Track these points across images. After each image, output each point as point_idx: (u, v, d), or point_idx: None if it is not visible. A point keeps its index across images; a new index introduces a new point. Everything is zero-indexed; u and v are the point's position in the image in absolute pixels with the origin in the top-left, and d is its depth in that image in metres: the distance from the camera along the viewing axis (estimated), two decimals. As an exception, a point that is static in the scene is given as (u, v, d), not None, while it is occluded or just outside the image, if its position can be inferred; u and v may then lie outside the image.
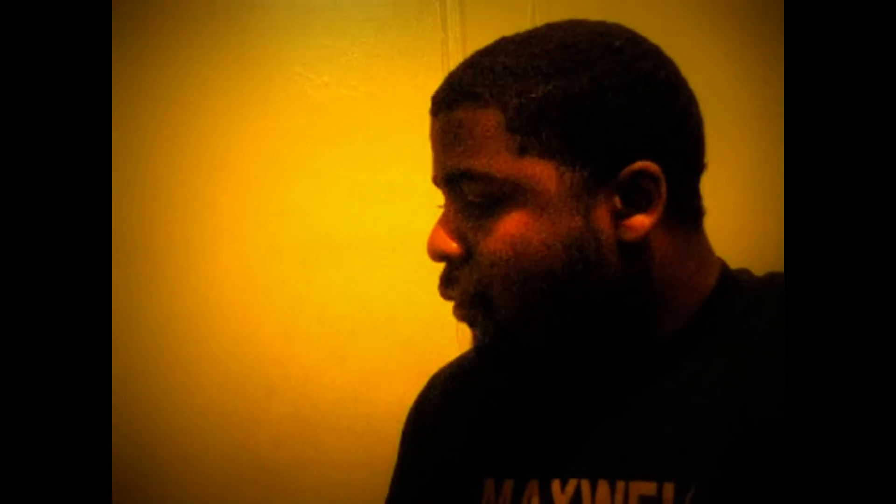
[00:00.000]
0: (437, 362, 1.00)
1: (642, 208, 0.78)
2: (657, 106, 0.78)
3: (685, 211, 0.81)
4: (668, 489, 0.76)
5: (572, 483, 0.81)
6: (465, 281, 0.81)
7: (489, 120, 0.78)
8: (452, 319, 0.84)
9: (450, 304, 0.83)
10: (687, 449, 0.76)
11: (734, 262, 0.86)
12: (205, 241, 1.56)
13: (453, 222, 0.81)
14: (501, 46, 0.81)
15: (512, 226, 0.78)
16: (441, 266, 0.83)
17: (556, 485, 0.82)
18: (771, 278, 0.83)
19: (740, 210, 1.49)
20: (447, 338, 1.37)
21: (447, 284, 0.83)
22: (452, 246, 0.81)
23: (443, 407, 0.96)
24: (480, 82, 0.78)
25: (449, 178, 0.81)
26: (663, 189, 0.77)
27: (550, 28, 0.82)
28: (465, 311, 0.82)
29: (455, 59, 1.46)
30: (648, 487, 0.77)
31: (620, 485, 0.78)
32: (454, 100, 0.80)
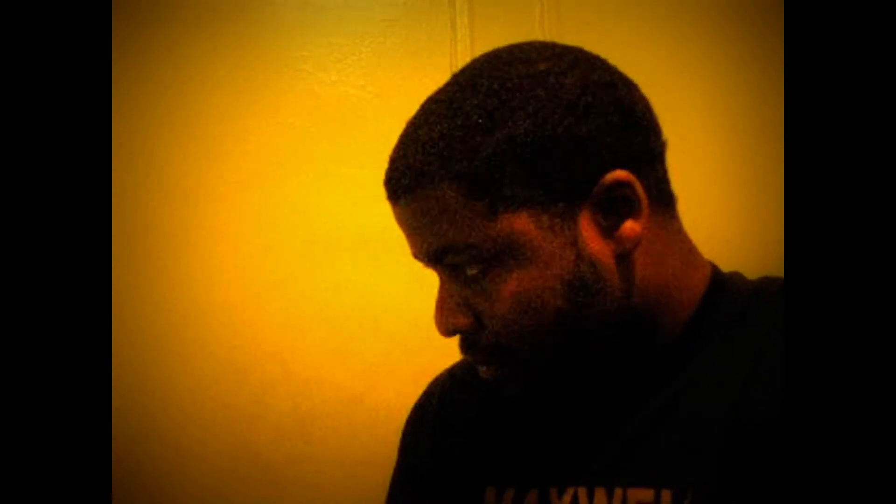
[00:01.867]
0: (436, 362, 1.00)
1: (625, 216, 0.77)
2: (602, 111, 0.76)
3: (660, 199, 0.80)
4: (666, 496, 0.75)
5: (570, 491, 0.81)
6: (484, 342, 0.80)
7: (448, 194, 0.76)
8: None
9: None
10: (683, 455, 0.76)
11: (734, 265, 0.86)
12: (209, 238, 1.57)
13: (452, 295, 0.81)
14: (433, 112, 0.78)
15: (509, 284, 0.77)
16: None
17: (554, 493, 0.82)
18: (764, 282, 0.83)
19: (740, 212, 1.48)
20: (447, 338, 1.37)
21: (468, 351, 0.82)
22: (462, 321, 0.80)
23: (443, 414, 0.95)
24: (425, 161, 0.76)
25: (431, 256, 0.80)
26: (640, 191, 0.77)
27: (472, 76, 0.79)
28: (492, 365, 0.82)
29: (463, 59, 1.46)
30: (646, 494, 0.77)
31: (618, 492, 0.78)
32: (408, 186, 0.78)
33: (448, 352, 0.95)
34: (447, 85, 0.81)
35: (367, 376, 1.53)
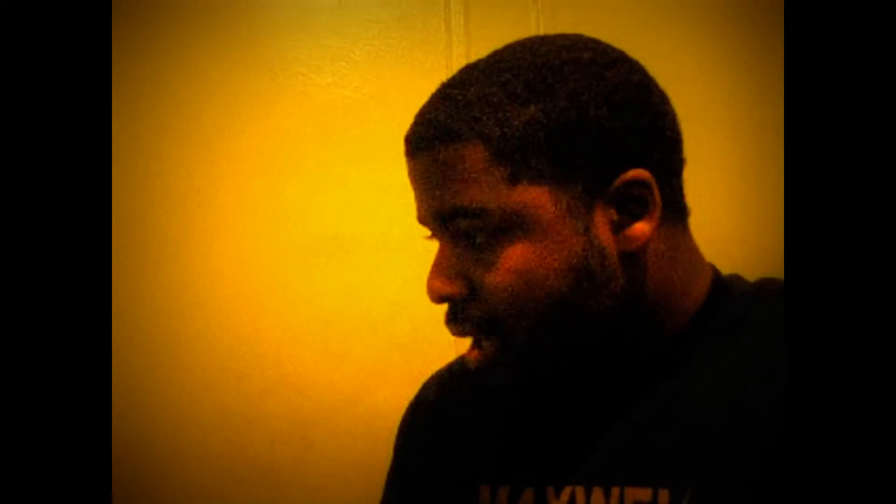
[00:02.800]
0: (434, 363, 1.00)
1: (638, 216, 0.77)
2: (636, 111, 0.77)
3: (673, 210, 0.81)
4: (664, 495, 0.76)
5: (567, 490, 0.81)
6: (473, 315, 0.79)
7: (474, 155, 0.76)
8: (451, 321, 0.83)
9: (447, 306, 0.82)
10: (682, 455, 0.76)
11: (733, 266, 0.86)
12: (204, 240, 1.56)
13: (450, 260, 0.80)
14: (470, 76, 0.79)
15: (516, 257, 0.76)
16: None
17: (550, 491, 0.82)
18: (763, 284, 0.83)
19: (740, 214, 1.48)
20: (445, 339, 1.35)
21: (455, 321, 0.81)
22: (455, 287, 0.79)
23: (438, 411, 0.95)
24: (458, 117, 0.76)
25: (441, 217, 0.79)
26: (657, 194, 0.77)
27: (514, 50, 0.80)
28: (476, 339, 0.81)
29: (459, 62, 1.46)
30: (643, 493, 0.77)
31: (615, 491, 0.78)
32: (433, 139, 0.77)
33: (446, 354, 0.95)
34: (487, 57, 0.81)
35: (365, 379, 1.53)
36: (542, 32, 1.55)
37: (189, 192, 1.57)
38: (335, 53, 1.60)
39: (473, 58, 0.83)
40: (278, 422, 1.53)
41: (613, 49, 0.81)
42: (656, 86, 0.81)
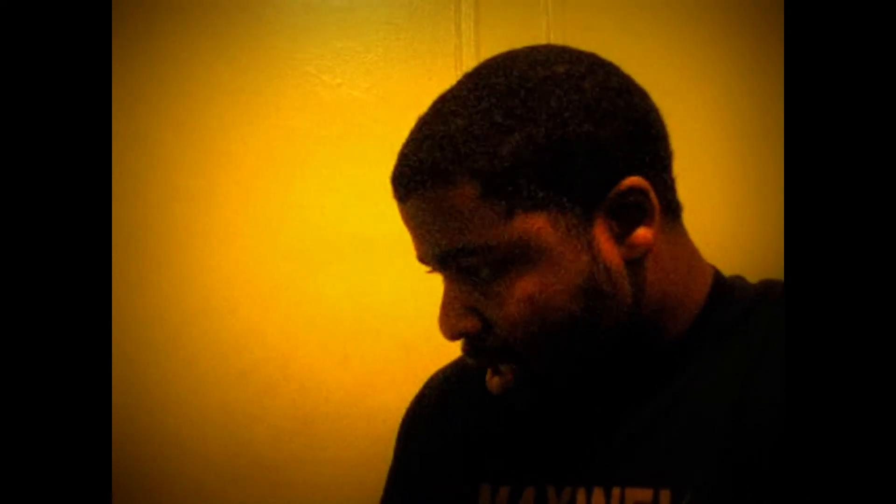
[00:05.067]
0: (437, 364, 1.00)
1: (637, 223, 0.77)
2: (619, 118, 0.76)
3: (669, 210, 0.81)
4: (664, 496, 0.75)
5: (567, 490, 0.81)
6: (490, 347, 0.79)
7: (466, 193, 0.75)
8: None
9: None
10: (683, 456, 0.76)
11: (734, 267, 0.86)
12: (210, 239, 1.57)
13: (458, 298, 0.79)
14: (447, 108, 0.77)
15: (522, 286, 0.76)
16: None
17: (551, 492, 0.82)
18: (765, 285, 0.83)
19: (740, 215, 1.48)
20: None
21: (474, 355, 0.81)
22: (469, 325, 0.79)
23: (438, 411, 0.95)
24: (443, 157, 0.75)
25: (442, 258, 0.78)
26: (654, 198, 0.77)
27: (488, 75, 0.78)
28: (499, 364, 0.81)
29: (468, 63, 1.46)
30: (644, 494, 0.76)
31: (616, 491, 0.78)
32: (421, 182, 0.76)
33: (448, 354, 0.95)
34: (459, 85, 0.80)
35: (368, 378, 1.53)
36: (552, 34, 1.55)
37: (195, 192, 1.57)
38: (345, 54, 1.60)
39: (483, 59, 0.82)
40: (280, 421, 1.53)
41: (584, 55, 0.80)
42: (634, 84, 0.80)
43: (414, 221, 0.79)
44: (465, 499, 0.86)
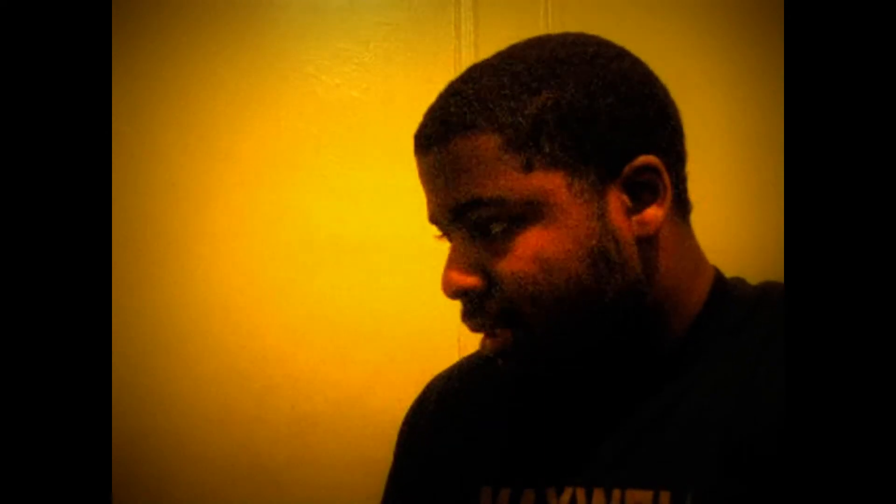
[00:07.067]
0: (438, 365, 1.00)
1: (649, 202, 0.78)
2: (642, 102, 0.79)
3: (679, 203, 0.82)
4: (665, 497, 0.75)
5: (568, 491, 0.81)
6: (491, 309, 0.79)
7: (487, 144, 0.76)
8: (454, 322, 0.83)
9: (450, 306, 0.82)
10: (683, 457, 0.76)
11: (734, 269, 0.86)
12: (211, 240, 1.57)
13: (465, 254, 0.79)
14: (478, 72, 0.79)
15: (533, 243, 0.76)
16: None
17: (552, 493, 0.82)
18: (765, 287, 0.83)
19: (740, 216, 1.48)
20: (448, 340, 1.37)
21: (472, 316, 0.81)
22: (471, 280, 0.79)
23: (439, 413, 0.95)
24: (469, 109, 0.77)
25: (456, 211, 0.79)
26: (667, 179, 0.78)
27: (520, 48, 0.81)
28: (495, 331, 0.80)
29: (467, 63, 1.46)
30: (644, 496, 0.76)
31: (616, 493, 0.78)
32: (446, 132, 0.78)
33: (448, 354, 0.95)
34: (493, 56, 0.81)
35: (368, 378, 1.53)
36: (551, 35, 1.55)
37: (195, 192, 1.57)
38: (345, 55, 1.60)
39: (482, 60, 0.83)
40: (280, 422, 1.53)
41: (616, 45, 0.82)
42: (658, 80, 0.83)
43: (433, 173, 0.80)
44: (465, 501, 0.86)
